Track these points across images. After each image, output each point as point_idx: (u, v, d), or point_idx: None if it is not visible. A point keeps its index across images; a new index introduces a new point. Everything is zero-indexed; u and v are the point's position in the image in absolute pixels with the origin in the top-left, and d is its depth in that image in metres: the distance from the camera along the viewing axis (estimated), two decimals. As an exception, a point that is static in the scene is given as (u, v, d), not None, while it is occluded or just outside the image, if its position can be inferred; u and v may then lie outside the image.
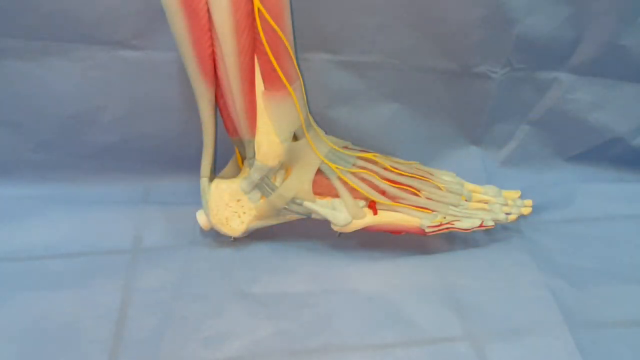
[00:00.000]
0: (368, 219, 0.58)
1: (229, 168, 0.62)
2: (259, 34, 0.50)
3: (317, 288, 0.58)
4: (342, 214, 0.57)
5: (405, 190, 0.58)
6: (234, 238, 0.61)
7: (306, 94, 0.59)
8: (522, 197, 0.64)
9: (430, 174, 0.61)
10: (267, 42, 0.50)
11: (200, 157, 0.58)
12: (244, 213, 0.59)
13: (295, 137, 0.56)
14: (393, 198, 0.58)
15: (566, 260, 0.62)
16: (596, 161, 0.75)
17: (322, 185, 0.58)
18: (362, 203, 0.58)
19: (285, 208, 0.58)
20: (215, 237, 0.63)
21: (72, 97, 0.62)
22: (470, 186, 0.62)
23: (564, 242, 0.65)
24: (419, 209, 0.58)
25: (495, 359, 0.51)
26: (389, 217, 0.58)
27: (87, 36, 0.58)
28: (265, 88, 0.53)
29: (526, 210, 0.62)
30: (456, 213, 0.59)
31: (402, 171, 0.60)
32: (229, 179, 0.59)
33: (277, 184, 0.58)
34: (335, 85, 0.65)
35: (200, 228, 0.61)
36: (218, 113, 0.57)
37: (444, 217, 0.59)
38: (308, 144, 0.57)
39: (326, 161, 0.58)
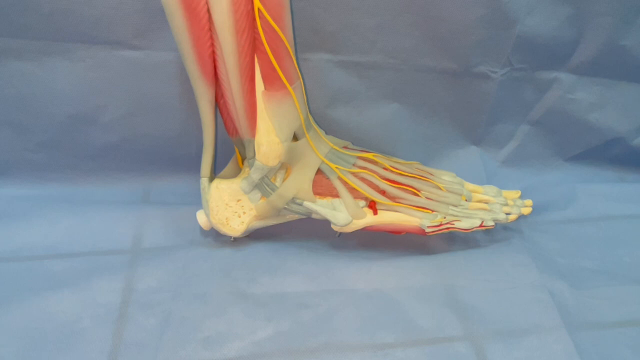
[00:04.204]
0: (368, 219, 0.58)
1: (229, 168, 0.62)
2: (259, 34, 0.50)
3: (317, 288, 0.58)
4: (342, 214, 0.57)
5: (405, 190, 0.59)
6: (234, 238, 0.61)
7: (306, 94, 0.59)
8: (522, 197, 0.64)
9: (430, 174, 0.61)
10: (267, 42, 0.50)
11: (200, 157, 0.58)
12: (244, 213, 0.59)
13: (295, 137, 0.56)
14: (393, 198, 0.58)
15: (566, 261, 0.62)
16: (596, 161, 0.75)
17: (322, 185, 0.58)
18: (362, 203, 0.58)
19: (285, 208, 0.58)
20: (215, 237, 0.63)
21: (72, 97, 0.62)
22: (470, 186, 0.62)
23: (564, 242, 0.65)
24: (419, 209, 0.58)
25: (494, 359, 0.51)
26: (389, 217, 0.58)
27: (87, 36, 0.58)
28: (265, 88, 0.53)
29: (526, 210, 0.63)
30: (456, 213, 0.59)
31: (402, 171, 0.60)
32: (229, 179, 0.59)
33: (277, 184, 0.58)
34: (335, 85, 0.65)
35: (200, 228, 0.61)
36: (218, 113, 0.57)
37: (444, 217, 0.59)
38: (308, 144, 0.57)
39: (326, 161, 0.58)
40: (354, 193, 0.58)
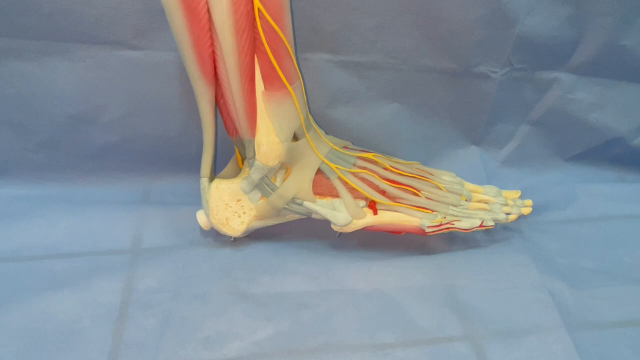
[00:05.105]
0: (368, 219, 0.58)
1: (229, 168, 0.62)
2: (259, 34, 0.50)
3: (317, 288, 0.58)
4: (342, 214, 0.57)
5: (405, 190, 0.59)
6: (234, 238, 0.61)
7: (306, 94, 0.59)
8: (522, 197, 0.64)
9: (430, 173, 0.61)
10: (267, 42, 0.50)
11: (200, 157, 0.58)
12: (244, 213, 0.59)
13: (295, 137, 0.56)
14: (393, 198, 0.58)
15: (566, 261, 0.62)
16: (596, 161, 0.75)
17: (322, 185, 0.58)
18: (362, 203, 0.58)
19: (285, 208, 0.58)
20: (215, 237, 0.63)
21: (72, 97, 0.62)
22: (470, 186, 0.62)
23: (564, 242, 0.65)
24: (419, 208, 0.58)
25: (494, 359, 0.51)
26: (389, 217, 0.58)
27: (87, 36, 0.58)
28: (265, 88, 0.53)
29: (526, 210, 0.63)
30: (456, 213, 0.59)
31: (402, 171, 0.60)
32: (229, 179, 0.59)
33: (277, 184, 0.58)
34: (335, 85, 0.65)
35: (200, 228, 0.61)
36: (218, 113, 0.57)
37: (444, 217, 0.59)
38: (308, 144, 0.57)
39: (326, 161, 0.58)
40: (354, 193, 0.58)
